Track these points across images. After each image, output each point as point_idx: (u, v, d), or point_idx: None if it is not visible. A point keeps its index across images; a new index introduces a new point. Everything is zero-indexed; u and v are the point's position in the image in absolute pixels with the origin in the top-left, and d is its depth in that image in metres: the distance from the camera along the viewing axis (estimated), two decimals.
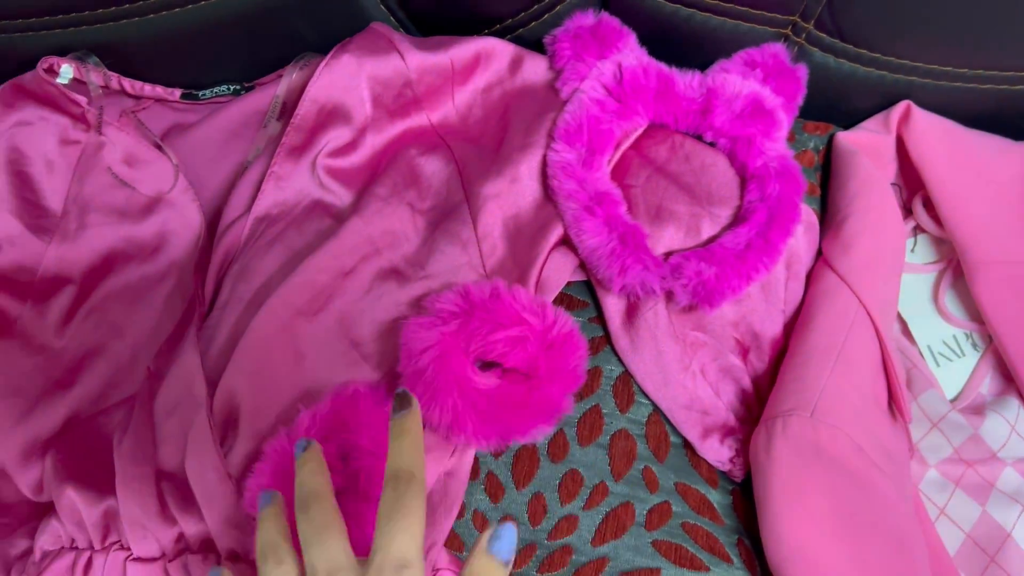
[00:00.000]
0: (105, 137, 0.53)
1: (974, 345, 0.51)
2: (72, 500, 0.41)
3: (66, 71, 0.52)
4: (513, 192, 0.44)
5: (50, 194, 0.52)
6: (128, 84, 0.54)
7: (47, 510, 0.47)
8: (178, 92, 0.54)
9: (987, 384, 0.50)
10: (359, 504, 0.37)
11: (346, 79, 0.46)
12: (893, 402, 0.44)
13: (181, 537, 0.40)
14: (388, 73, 0.46)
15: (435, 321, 0.39)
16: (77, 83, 0.52)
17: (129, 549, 0.41)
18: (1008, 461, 0.48)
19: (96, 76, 0.53)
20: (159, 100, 0.55)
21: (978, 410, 0.49)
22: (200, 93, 0.54)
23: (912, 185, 0.52)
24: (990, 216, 0.49)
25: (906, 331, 0.51)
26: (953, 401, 0.50)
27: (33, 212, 0.51)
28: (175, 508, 0.40)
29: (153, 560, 0.40)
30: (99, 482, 0.42)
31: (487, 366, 0.40)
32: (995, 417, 0.48)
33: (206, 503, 0.39)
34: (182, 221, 0.53)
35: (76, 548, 0.42)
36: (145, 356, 0.50)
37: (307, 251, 0.45)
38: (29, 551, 0.45)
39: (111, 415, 0.48)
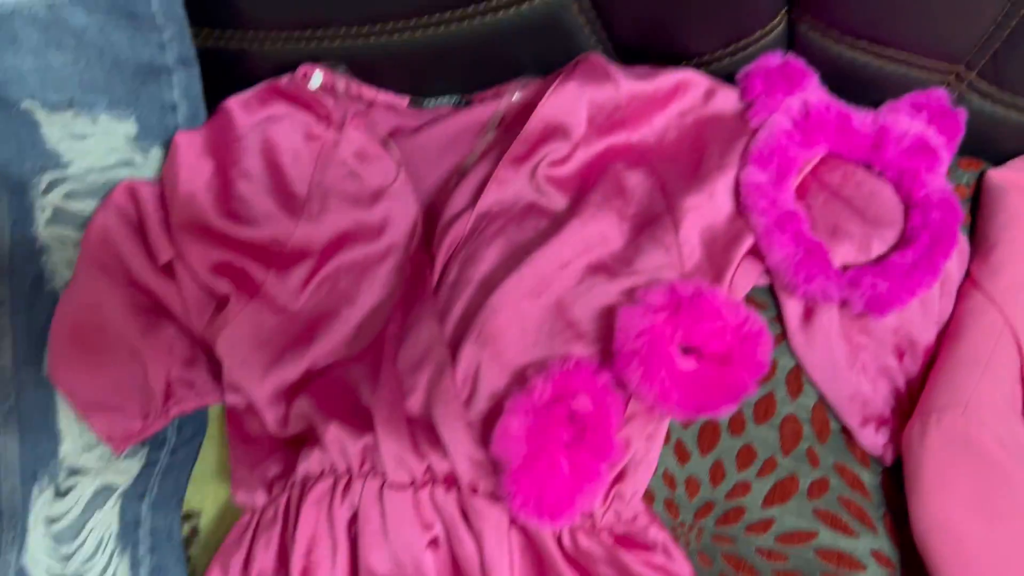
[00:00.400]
0: (342, 135, 0.62)
1: None
2: (337, 433, 0.51)
3: (317, 77, 0.62)
4: (710, 206, 0.52)
5: (297, 181, 0.62)
6: (365, 90, 0.63)
7: (288, 444, 0.57)
8: (406, 100, 0.63)
9: None
10: (585, 455, 0.46)
11: (570, 103, 0.54)
12: None
13: (429, 470, 0.49)
14: (603, 99, 0.55)
15: (647, 310, 0.48)
16: (323, 88, 0.62)
17: (384, 476, 0.50)
18: None
19: (341, 83, 0.62)
20: (388, 105, 0.64)
21: None
22: (425, 101, 0.63)
23: None
24: None
25: None
26: None
27: (284, 194, 0.61)
28: (425, 446, 0.49)
29: (405, 487, 0.49)
30: (356, 421, 0.52)
31: (687, 351, 0.48)
32: None
33: (452, 446, 0.49)
34: (402, 210, 0.62)
35: (336, 473, 0.51)
36: (370, 321, 0.59)
37: (529, 244, 0.53)
38: (280, 475, 0.55)
39: (347, 367, 0.57)
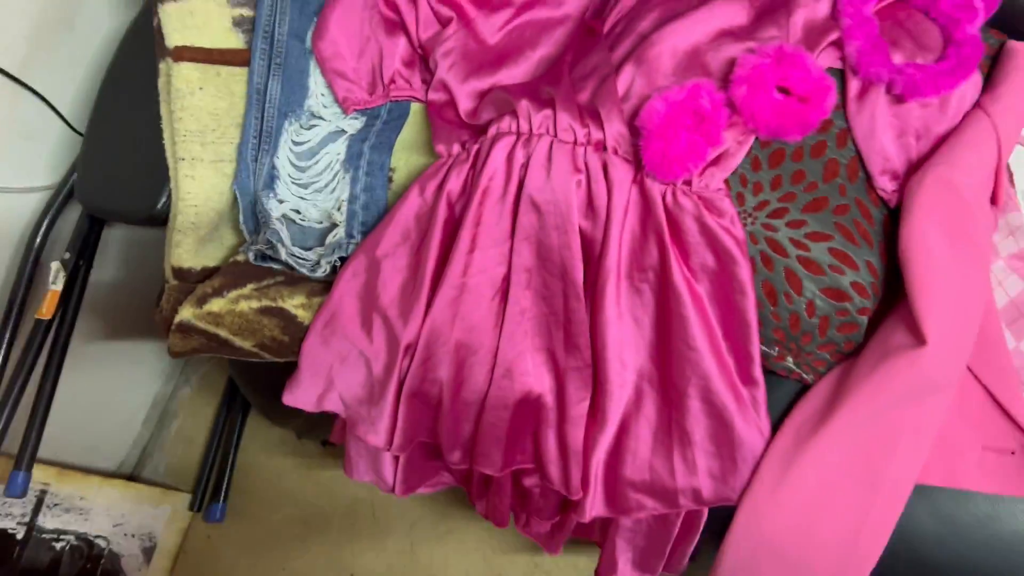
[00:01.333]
0: None
1: None
2: (527, 104, 0.74)
3: None
4: (814, 6, 0.74)
5: None
6: None
7: (475, 129, 0.80)
8: None
9: None
10: (698, 137, 0.69)
11: None
12: (995, 197, 0.74)
13: (588, 135, 0.73)
14: None
15: (760, 55, 0.71)
16: None
17: (555, 136, 0.74)
18: None
19: None
20: None
21: None
22: None
23: None
24: None
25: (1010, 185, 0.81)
26: None
27: None
28: (588, 120, 0.73)
29: (568, 144, 0.73)
30: (540, 102, 0.75)
31: (781, 90, 0.71)
32: None
33: (607, 122, 0.72)
34: None
35: (520, 132, 0.75)
36: (544, 63, 0.82)
37: (682, 11, 0.76)
38: (469, 139, 0.79)
39: (529, 84, 0.80)
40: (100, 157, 0.84)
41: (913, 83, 0.71)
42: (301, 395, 0.78)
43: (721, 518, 0.74)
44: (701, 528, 0.79)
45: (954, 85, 0.73)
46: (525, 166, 0.74)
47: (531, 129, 0.75)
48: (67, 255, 0.88)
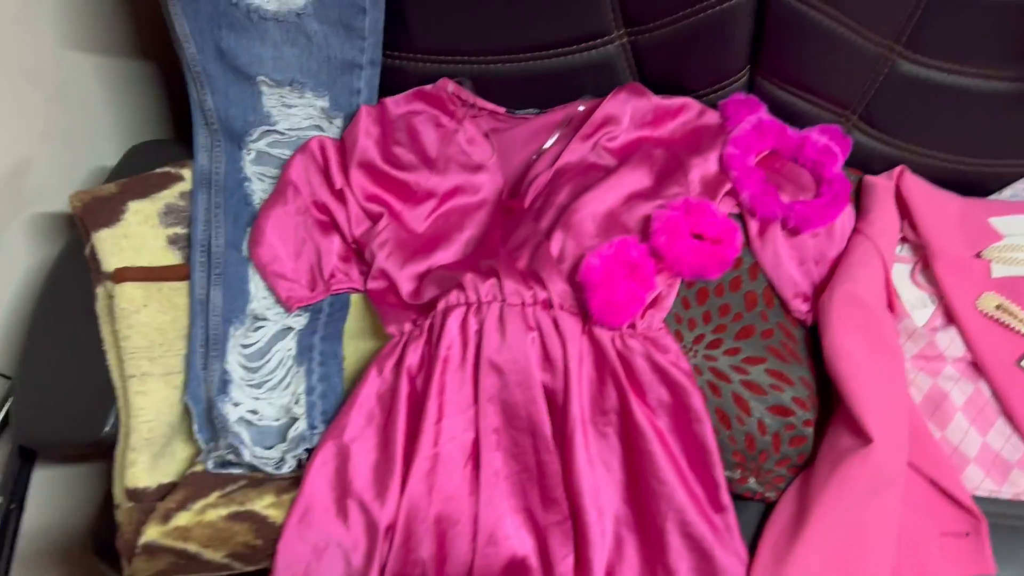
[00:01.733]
0: (460, 126, 0.95)
1: (932, 301, 0.91)
2: (472, 277, 0.80)
3: (450, 86, 0.95)
4: (705, 165, 0.86)
5: (429, 149, 0.93)
6: (479, 100, 0.96)
7: (419, 309, 0.85)
8: (503, 109, 0.97)
9: (938, 320, 0.90)
10: (635, 285, 0.76)
11: (621, 105, 0.89)
12: (891, 304, 0.85)
13: (533, 296, 0.79)
14: (641, 106, 0.90)
15: (672, 209, 0.80)
16: (453, 94, 0.96)
17: (503, 301, 0.79)
18: (948, 359, 0.87)
19: (463, 93, 0.96)
20: (491, 111, 0.97)
21: (933, 331, 0.89)
22: (516, 111, 0.97)
23: (901, 212, 0.94)
24: (943, 228, 0.91)
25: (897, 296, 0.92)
26: (921, 327, 0.89)
27: (421, 157, 0.93)
28: (531, 283, 0.79)
29: (517, 306, 0.78)
30: (482, 274, 0.81)
31: (695, 236, 0.80)
32: (941, 335, 0.88)
33: (549, 283, 0.78)
34: (493, 178, 0.94)
35: (469, 302, 0.80)
36: (472, 242, 0.89)
37: (592, 183, 0.86)
38: (416, 318, 0.83)
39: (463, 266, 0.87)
40: (35, 392, 0.82)
41: (803, 216, 0.82)
42: None
43: None
44: None
45: (836, 215, 0.84)
46: (479, 332, 0.78)
47: (479, 298, 0.80)
48: None
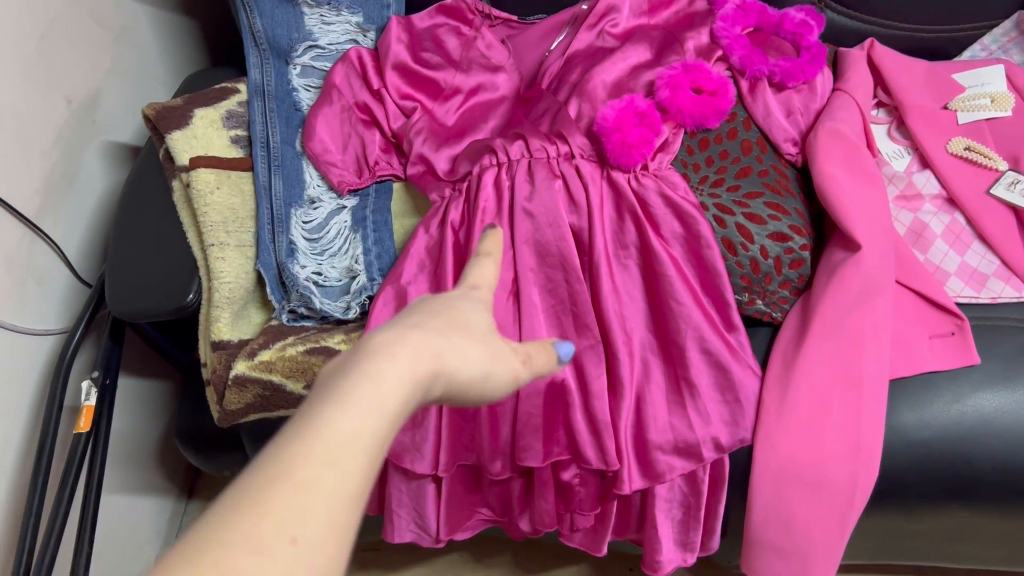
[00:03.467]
0: (479, 34, 1.07)
1: (908, 152, 1.03)
2: (501, 142, 0.92)
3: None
4: (699, 38, 0.98)
5: (453, 53, 1.06)
6: (494, 10, 1.09)
7: (450, 182, 0.97)
8: (515, 17, 1.10)
9: (915, 167, 1.01)
10: (645, 130, 0.88)
11: None
12: (870, 146, 0.96)
13: (556, 149, 0.90)
14: None
15: (672, 68, 0.92)
16: (471, 5, 1.08)
17: (531, 157, 0.90)
18: (925, 197, 0.99)
19: (481, 5, 1.08)
20: (505, 18, 1.10)
21: (911, 175, 1.00)
22: (527, 17, 1.09)
23: (874, 80, 1.06)
24: (912, 87, 1.03)
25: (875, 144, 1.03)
26: (901, 172, 1.01)
27: (447, 59, 1.05)
28: (554, 138, 0.90)
29: (543, 159, 0.90)
30: (510, 139, 0.92)
31: (695, 91, 0.92)
32: (918, 176, 0.99)
33: (570, 137, 0.90)
34: (511, 78, 1.06)
35: (500, 163, 0.92)
36: (497, 132, 1.01)
37: (600, 59, 0.98)
38: (453, 187, 0.94)
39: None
40: (126, 271, 0.93)
41: (787, 71, 0.94)
42: None
43: (741, 487, 0.85)
44: (726, 486, 0.88)
45: (817, 71, 0.96)
46: (511, 187, 0.90)
47: (509, 158, 0.91)
48: (95, 373, 0.94)
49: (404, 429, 0.87)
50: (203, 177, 0.92)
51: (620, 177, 0.89)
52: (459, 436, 0.87)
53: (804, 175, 0.94)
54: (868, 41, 1.06)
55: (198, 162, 0.93)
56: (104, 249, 1.07)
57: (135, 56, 1.14)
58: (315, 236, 0.95)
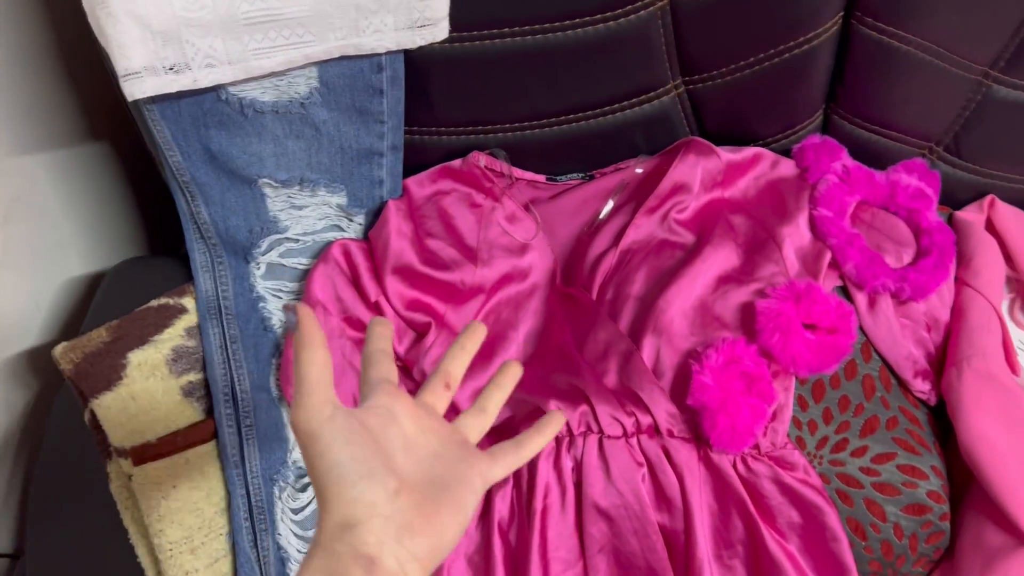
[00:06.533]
0: (497, 203, 0.82)
1: None
2: (558, 405, 0.68)
3: (482, 160, 0.82)
4: (797, 234, 0.75)
5: (468, 237, 0.80)
6: (515, 170, 0.83)
7: None
8: (543, 177, 0.84)
9: None
10: (756, 400, 0.66)
11: (690, 169, 0.77)
12: (1008, 360, 0.76)
13: (636, 423, 0.68)
14: (711, 167, 0.78)
15: (778, 300, 0.69)
16: (486, 167, 0.82)
17: (600, 432, 0.68)
18: None
19: (498, 165, 0.83)
20: (530, 181, 0.84)
21: None
22: (559, 177, 0.84)
23: None
24: None
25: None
26: None
27: (461, 247, 0.80)
28: (630, 406, 0.68)
29: (619, 438, 0.67)
30: (566, 399, 0.69)
31: (807, 327, 0.70)
32: None
33: (652, 405, 0.67)
34: (542, 258, 0.82)
35: (559, 438, 0.69)
36: (529, 340, 0.78)
37: (672, 267, 0.74)
38: None
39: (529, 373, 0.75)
40: None
41: (918, 286, 0.72)
42: None
43: None
44: None
45: (947, 275, 0.75)
46: (576, 470, 0.68)
47: (571, 431, 0.68)
48: None
49: None
50: (152, 476, 0.67)
51: (723, 460, 0.67)
52: None
53: (934, 411, 0.74)
54: (988, 200, 0.84)
55: (143, 454, 0.68)
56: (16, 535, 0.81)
57: (33, 233, 0.85)
58: (309, 532, 0.71)
